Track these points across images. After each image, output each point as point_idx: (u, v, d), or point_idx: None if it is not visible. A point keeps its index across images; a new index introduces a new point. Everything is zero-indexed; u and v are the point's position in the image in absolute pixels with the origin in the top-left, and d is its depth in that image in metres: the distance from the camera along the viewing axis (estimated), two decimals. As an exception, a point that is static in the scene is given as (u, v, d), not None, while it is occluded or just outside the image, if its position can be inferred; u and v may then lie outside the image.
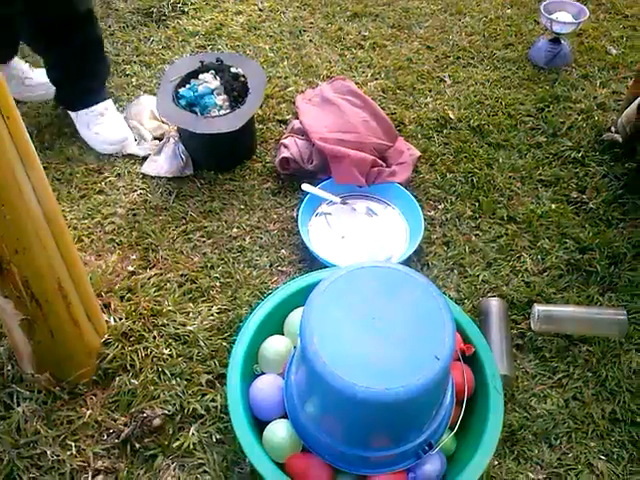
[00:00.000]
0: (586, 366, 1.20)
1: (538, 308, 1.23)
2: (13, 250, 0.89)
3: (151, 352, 1.18)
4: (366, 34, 2.03)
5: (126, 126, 1.60)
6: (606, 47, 2.00)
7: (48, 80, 1.62)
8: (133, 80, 1.80)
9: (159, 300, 1.27)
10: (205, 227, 1.43)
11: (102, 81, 1.67)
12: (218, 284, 1.31)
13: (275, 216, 1.47)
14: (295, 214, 1.46)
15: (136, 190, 1.50)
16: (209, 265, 1.35)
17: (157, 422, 1.09)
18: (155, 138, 1.59)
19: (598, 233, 1.42)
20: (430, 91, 1.82)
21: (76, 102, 1.62)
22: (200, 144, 1.52)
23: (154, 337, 1.20)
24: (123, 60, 1.86)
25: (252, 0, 2.14)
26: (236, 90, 1.51)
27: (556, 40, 1.90)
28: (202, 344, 1.19)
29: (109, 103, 1.64)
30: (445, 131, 1.69)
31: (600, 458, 1.09)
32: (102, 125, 1.57)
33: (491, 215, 1.47)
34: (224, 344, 1.20)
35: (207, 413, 1.11)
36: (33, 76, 1.68)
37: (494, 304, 1.24)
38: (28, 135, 0.90)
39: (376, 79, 1.86)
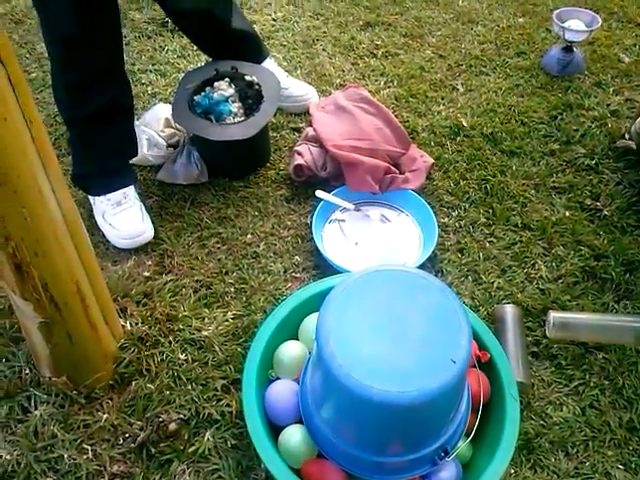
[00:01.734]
0: (602, 374, 1.19)
1: (553, 315, 1.22)
2: (33, 252, 0.90)
3: (167, 357, 1.18)
4: (379, 43, 2.04)
5: (145, 218, 1.42)
6: (619, 55, 2.01)
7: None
8: (148, 89, 1.82)
9: (175, 305, 1.28)
10: (220, 233, 1.44)
11: (127, 159, 1.50)
12: (233, 290, 1.32)
13: (289, 223, 1.48)
14: (309, 221, 1.46)
15: (152, 197, 1.52)
16: (224, 271, 1.36)
17: (173, 427, 1.09)
18: (170, 146, 1.60)
19: (613, 240, 1.41)
20: (443, 99, 1.83)
21: (93, 185, 1.45)
22: (215, 151, 1.53)
23: (170, 342, 1.21)
24: (139, 69, 1.89)
25: (266, 10, 2.17)
26: (251, 98, 1.52)
27: (568, 48, 1.90)
28: (217, 349, 1.20)
29: (130, 190, 1.46)
30: (458, 139, 1.69)
31: (618, 467, 1.08)
32: (118, 216, 1.41)
33: (505, 222, 1.47)
34: (239, 349, 1.20)
35: (222, 418, 1.11)
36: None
37: (509, 311, 1.24)
38: (48, 138, 0.92)
39: (389, 87, 1.87)
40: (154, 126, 1.62)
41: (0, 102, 0.79)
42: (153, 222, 1.44)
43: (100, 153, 1.40)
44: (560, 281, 1.34)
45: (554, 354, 1.21)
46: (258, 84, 1.54)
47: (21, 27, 2.12)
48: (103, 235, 1.42)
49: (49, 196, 0.90)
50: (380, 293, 0.93)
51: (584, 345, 1.22)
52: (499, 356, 1.09)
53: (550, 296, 1.30)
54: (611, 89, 1.86)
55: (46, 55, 1.97)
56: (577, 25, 1.89)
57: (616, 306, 1.29)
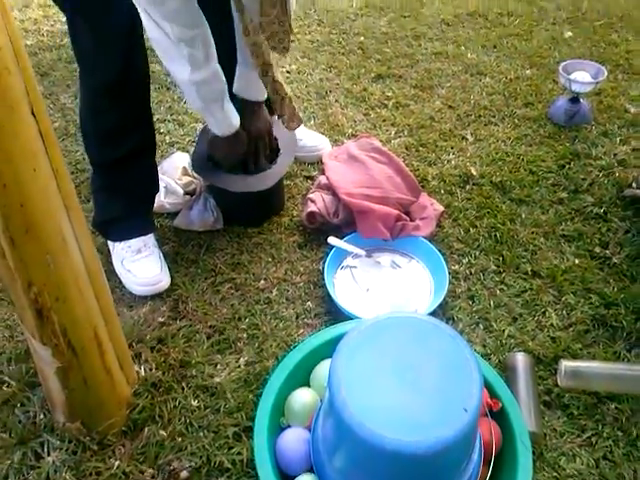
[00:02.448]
0: (615, 424, 1.18)
1: (565, 364, 1.22)
2: (54, 298, 0.93)
3: (179, 403, 1.19)
4: (389, 94, 2.10)
5: (162, 266, 1.45)
6: (625, 106, 2.05)
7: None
8: (167, 138, 1.88)
9: (188, 351, 1.29)
10: (234, 279, 1.47)
11: (149, 203, 1.54)
12: (245, 336, 1.34)
13: (302, 269, 1.50)
14: (321, 267, 1.49)
15: (168, 243, 1.55)
16: (237, 317, 1.38)
17: (184, 475, 1.09)
18: (187, 193, 1.65)
19: (623, 288, 1.42)
20: (452, 148, 1.87)
21: (115, 230, 1.48)
22: (231, 201, 1.57)
23: (182, 388, 1.22)
24: (158, 119, 1.95)
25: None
26: (271, 148, 1.57)
27: (575, 99, 1.95)
28: (229, 396, 1.21)
29: (149, 238, 1.49)
30: (468, 187, 1.72)
31: (633, 521, 1.06)
32: (137, 263, 1.43)
33: (515, 270, 1.48)
34: (250, 397, 1.21)
35: (233, 467, 1.11)
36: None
37: (520, 359, 1.24)
38: (73, 186, 0.96)
39: (399, 137, 1.91)
40: (172, 174, 1.67)
41: (30, 154, 0.83)
42: (169, 268, 1.47)
43: (124, 197, 1.45)
44: (571, 329, 1.34)
45: (566, 404, 1.21)
46: (275, 137, 1.59)
47: (47, 79, 2.21)
48: (120, 281, 1.45)
49: (72, 243, 0.94)
50: (392, 341, 0.95)
51: (596, 395, 1.21)
52: (511, 405, 1.09)
53: (561, 344, 1.30)
54: (618, 139, 1.89)
55: (69, 105, 2.05)
56: (583, 77, 1.94)
57: (628, 355, 1.29)
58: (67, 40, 2.41)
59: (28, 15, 2.65)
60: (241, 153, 1.52)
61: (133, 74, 1.31)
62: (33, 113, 0.84)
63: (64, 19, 1.26)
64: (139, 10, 1.17)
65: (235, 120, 1.44)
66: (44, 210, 0.88)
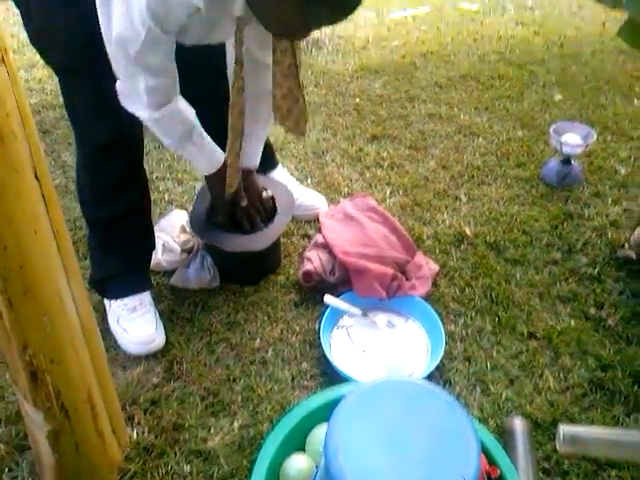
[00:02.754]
0: (616, 492, 1.16)
1: (563, 429, 1.21)
2: (49, 360, 0.93)
3: (172, 469, 1.17)
4: (384, 154, 2.15)
5: (158, 325, 1.45)
6: (615, 167, 2.09)
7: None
8: (165, 196, 1.91)
9: (182, 413, 1.27)
10: (229, 339, 1.46)
11: (146, 261, 1.55)
12: (240, 398, 1.32)
13: (297, 328, 1.50)
14: (317, 326, 1.49)
15: (164, 301, 1.55)
16: (232, 378, 1.36)
17: (175, 543, 1.06)
18: (184, 251, 1.66)
19: (619, 351, 1.42)
20: (446, 208, 1.90)
21: (111, 288, 1.48)
22: (228, 259, 1.58)
23: (175, 453, 1.20)
24: (157, 177, 1.98)
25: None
26: (265, 210, 1.59)
27: (566, 160, 1.99)
28: (222, 462, 1.18)
29: (146, 296, 1.49)
30: (462, 246, 1.74)
31: None
32: (132, 322, 1.43)
33: (511, 330, 1.48)
34: (245, 462, 1.18)
35: (226, 535, 1.08)
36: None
37: (518, 424, 1.22)
38: (72, 247, 0.96)
39: (395, 196, 1.95)
40: (169, 232, 1.69)
41: (32, 216, 0.85)
42: (164, 326, 1.46)
43: (120, 254, 1.45)
44: (568, 392, 1.33)
45: (565, 470, 1.18)
46: (272, 197, 1.61)
47: (49, 137, 2.25)
48: (114, 340, 1.44)
49: (69, 304, 0.94)
50: (389, 407, 0.94)
51: (596, 461, 1.20)
52: (509, 472, 1.08)
53: (559, 408, 1.29)
54: (609, 199, 1.93)
55: (70, 163, 2.09)
56: (573, 139, 1.99)
57: (627, 420, 1.28)
58: (70, 99, 2.47)
59: (33, 75, 2.72)
60: (234, 192, 1.47)
61: (127, 134, 1.33)
62: (36, 176, 0.86)
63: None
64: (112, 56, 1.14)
65: (216, 156, 1.38)
66: (43, 272, 0.88)
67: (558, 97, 2.57)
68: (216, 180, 1.43)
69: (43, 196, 0.88)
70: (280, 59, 1.27)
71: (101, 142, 1.30)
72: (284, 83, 1.30)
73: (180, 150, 1.36)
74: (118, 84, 1.18)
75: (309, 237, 1.76)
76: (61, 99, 2.29)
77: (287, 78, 1.29)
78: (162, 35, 1.07)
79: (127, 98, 1.20)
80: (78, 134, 1.36)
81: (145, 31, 1.05)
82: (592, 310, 1.53)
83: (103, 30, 1.09)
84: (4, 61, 0.78)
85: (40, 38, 1.24)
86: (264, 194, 1.60)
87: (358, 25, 3.29)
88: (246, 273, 1.61)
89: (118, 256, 1.46)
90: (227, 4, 1.09)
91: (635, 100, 2.53)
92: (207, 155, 1.38)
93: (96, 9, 1.07)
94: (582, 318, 1.52)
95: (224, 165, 1.39)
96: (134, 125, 1.32)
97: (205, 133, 1.33)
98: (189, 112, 1.28)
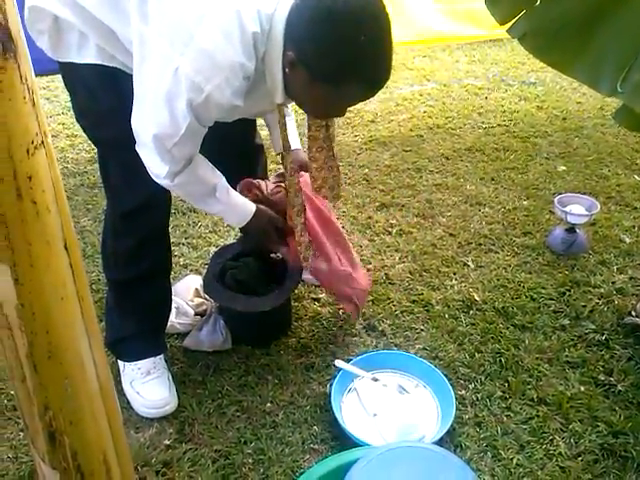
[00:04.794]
0: None
1: (576, 496, 1.20)
2: (69, 422, 0.95)
3: (182, 532, 1.16)
4: (393, 222, 2.21)
5: (171, 388, 1.48)
6: (619, 236, 2.14)
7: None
8: (180, 260, 1.97)
9: (193, 476, 1.28)
10: (240, 402, 1.47)
11: (162, 324, 1.58)
12: (251, 461, 1.32)
13: (308, 391, 1.51)
14: (328, 390, 1.50)
15: (177, 364, 1.58)
16: (242, 441, 1.37)
17: None
18: (197, 314, 1.70)
19: (629, 417, 1.42)
20: (455, 274, 1.94)
21: (127, 350, 1.51)
22: (240, 321, 1.62)
23: (186, 515, 1.20)
24: (173, 242, 2.02)
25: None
26: (276, 272, 1.64)
27: (571, 229, 2.04)
28: (233, 526, 1.18)
29: (160, 360, 1.52)
30: (471, 312, 1.77)
31: None
32: (146, 385, 1.45)
33: (521, 396, 1.49)
34: (255, 527, 1.18)
35: None
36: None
37: (530, 490, 1.22)
38: (95, 313, 1.01)
39: (403, 262, 1.99)
40: (184, 295, 1.73)
41: (60, 284, 0.89)
42: (176, 389, 1.48)
43: (136, 316, 1.49)
44: (580, 458, 1.33)
45: (580, 539, 1.17)
46: (283, 260, 1.66)
47: (69, 203, 2.32)
48: (127, 402, 1.45)
49: (90, 368, 0.97)
50: (400, 473, 0.95)
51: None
52: (522, 540, 1.07)
53: (571, 474, 1.28)
54: (615, 267, 1.96)
55: (88, 228, 2.16)
56: (578, 209, 2.05)
57: (640, 488, 1.27)
58: (90, 167, 2.58)
59: (56, 144, 2.84)
60: (272, 236, 1.49)
61: (154, 201, 1.39)
62: (66, 247, 0.91)
63: (89, 148, 1.38)
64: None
65: (244, 208, 1.40)
66: (68, 337, 0.92)
67: (562, 168, 2.65)
68: (252, 229, 1.44)
69: (71, 265, 0.93)
70: (315, 134, 1.35)
71: (129, 208, 1.37)
72: (319, 156, 1.37)
73: (208, 209, 1.39)
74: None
75: (319, 301, 1.80)
76: (82, 167, 2.40)
77: (322, 151, 1.36)
78: (200, 128, 1.16)
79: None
80: (109, 199, 1.43)
81: (185, 126, 1.12)
82: (601, 376, 1.54)
83: (138, 124, 1.17)
84: (44, 144, 0.85)
85: (83, 116, 1.34)
86: (273, 255, 1.65)
87: (368, 100, 3.44)
88: (258, 334, 1.64)
89: (134, 317, 1.49)
90: (267, 96, 1.18)
91: (637, 173, 2.60)
92: (234, 210, 1.39)
93: (130, 95, 1.16)
94: (592, 384, 1.52)
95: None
96: (160, 192, 1.39)
97: (231, 189, 1.35)
98: (209, 173, 1.31)
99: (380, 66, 1.11)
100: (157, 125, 1.13)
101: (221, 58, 1.06)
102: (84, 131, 1.40)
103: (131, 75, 1.16)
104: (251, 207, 1.41)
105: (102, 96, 1.26)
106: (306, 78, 1.10)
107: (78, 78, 1.26)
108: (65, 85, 1.32)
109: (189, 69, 1.06)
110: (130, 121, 1.17)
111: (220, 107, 1.12)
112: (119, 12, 1.12)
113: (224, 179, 1.33)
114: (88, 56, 1.20)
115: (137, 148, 1.20)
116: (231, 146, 1.44)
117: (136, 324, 1.49)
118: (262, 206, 1.45)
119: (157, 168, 1.21)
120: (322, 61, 1.07)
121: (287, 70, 1.12)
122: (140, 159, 1.22)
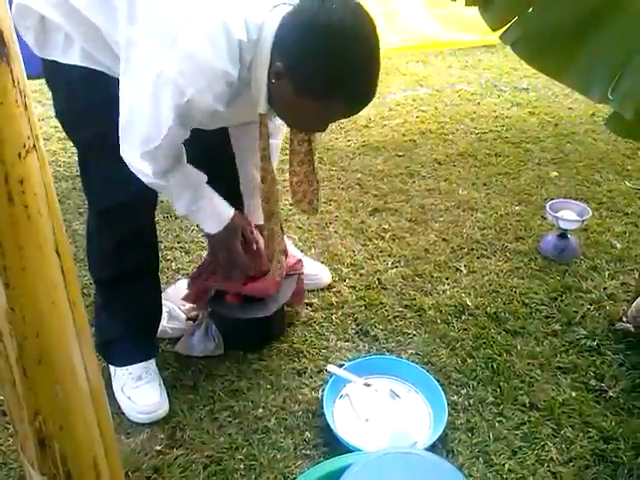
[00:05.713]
0: None
1: (567, 501, 1.20)
2: (58, 427, 0.94)
3: (173, 538, 1.16)
4: (386, 227, 2.22)
5: (162, 393, 1.47)
6: (611, 241, 2.15)
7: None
8: (173, 264, 1.96)
9: (184, 482, 1.27)
10: (232, 407, 1.47)
11: (153, 328, 1.57)
12: (242, 467, 1.32)
13: (300, 397, 1.51)
14: (320, 395, 1.49)
15: (168, 368, 1.57)
16: (234, 446, 1.36)
17: None
18: (189, 319, 1.69)
19: (620, 422, 1.42)
20: (447, 279, 1.94)
21: (118, 354, 1.51)
22: (232, 326, 1.61)
23: (177, 522, 1.19)
24: (165, 246, 2.04)
25: (285, 196, 2.37)
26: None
27: (563, 235, 2.05)
28: (224, 533, 1.17)
29: (151, 364, 1.51)
30: (463, 317, 1.77)
31: None
32: (137, 390, 1.45)
33: (513, 401, 1.49)
34: (247, 534, 1.17)
35: None
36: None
37: (522, 496, 1.22)
38: (86, 318, 1.00)
39: (396, 267, 1.99)
40: (175, 300, 1.72)
41: (51, 288, 0.89)
42: (168, 394, 1.47)
43: (125, 316, 1.48)
44: (571, 464, 1.33)
45: None
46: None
47: (61, 206, 2.28)
48: (118, 407, 1.44)
49: (81, 372, 0.96)
50: (393, 479, 0.95)
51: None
52: None
53: (562, 480, 1.29)
54: (606, 273, 1.97)
55: (80, 232, 2.15)
56: (569, 215, 2.06)
57: (631, 493, 1.27)
58: (83, 171, 2.57)
59: (48, 147, 2.83)
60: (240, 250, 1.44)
61: (134, 201, 1.36)
62: (57, 251, 0.90)
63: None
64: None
65: (222, 212, 1.37)
66: (59, 341, 0.91)
67: (554, 174, 2.66)
68: (221, 239, 1.41)
69: (62, 269, 0.92)
70: (297, 149, 1.35)
71: (108, 206, 1.36)
72: (300, 170, 1.37)
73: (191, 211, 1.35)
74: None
75: (312, 305, 1.80)
76: (74, 170, 2.39)
77: (303, 165, 1.36)
78: (182, 131, 1.17)
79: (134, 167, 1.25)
80: (88, 197, 1.44)
81: (167, 130, 1.13)
82: (593, 382, 1.54)
83: (124, 126, 1.17)
84: (35, 148, 0.84)
85: (62, 114, 1.34)
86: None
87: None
88: (250, 340, 1.64)
89: (122, 319, 1.48)
90: (252, 106, 1.18)
91: (629, 179, 2.62)
92: (214, 213, 1.36)
93: (111, 97, 1.16)
94: (583, 390, 1.53)
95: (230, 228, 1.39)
96: (140, 193, 1.35)
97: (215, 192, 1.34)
98: (194, 178, 1.31)
99: (366, 86, 1.12)
100: (141, 126, 1.14)
101: (205, 63, 1.07)
102: (63, 128, 1.39)
103: (115, 78, 1.16)
104: (228, 213, 1.38)
105: (84, 96, 1.25)
106: (291, 90, 1.11)
107: (61, 77, 1.26)
108: (47, 82, 1.31)
109: (173, 72, 1.07)
110: (111, 121, 1.17)
111: (202, 111, 1.13)
112: (109, 12, 1.12)
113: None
114: (73, 58, 1.20)
115: (121, 148, 1.20)
116: (208, 154, 1.42)
117: (124, 326, 1.48)
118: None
119: (140, 166, 1.21)
120: (309, 75, 1.08)
121: (273, 80, 1.13)
122: (119, 158, 1.21)
